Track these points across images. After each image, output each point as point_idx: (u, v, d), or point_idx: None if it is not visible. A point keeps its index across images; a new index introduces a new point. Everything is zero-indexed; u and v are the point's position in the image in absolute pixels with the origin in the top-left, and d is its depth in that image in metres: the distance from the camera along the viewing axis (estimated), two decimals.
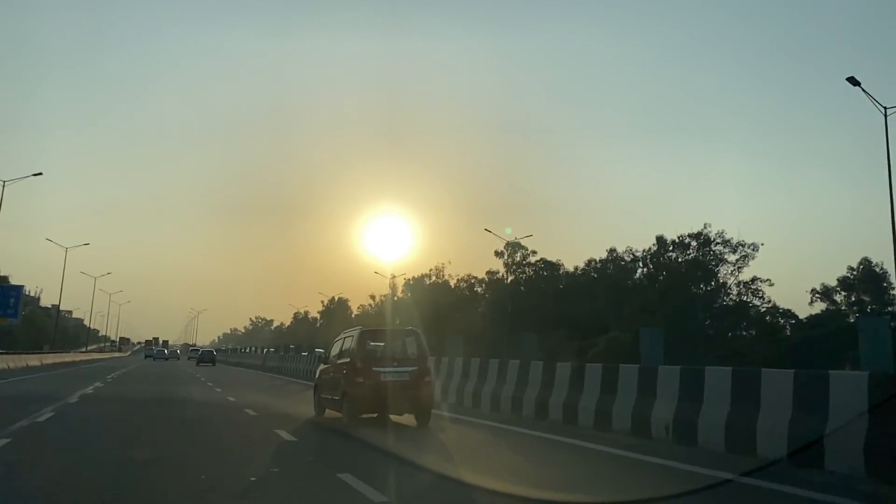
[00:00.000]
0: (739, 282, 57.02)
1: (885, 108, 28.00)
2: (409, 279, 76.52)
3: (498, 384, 12.97)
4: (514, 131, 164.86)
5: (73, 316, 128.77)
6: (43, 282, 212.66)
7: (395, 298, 78.35)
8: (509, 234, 69.77)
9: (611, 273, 67.83)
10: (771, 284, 56.52)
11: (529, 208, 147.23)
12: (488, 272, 71.50)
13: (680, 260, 58.81)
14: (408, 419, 10.88)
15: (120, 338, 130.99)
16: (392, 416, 10.79)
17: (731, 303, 56.94)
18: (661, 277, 59.24)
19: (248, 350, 61.50)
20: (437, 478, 6.39)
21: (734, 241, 56.63)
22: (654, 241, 59.47)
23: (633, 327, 55.86)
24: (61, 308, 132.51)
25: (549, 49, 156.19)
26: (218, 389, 19.69)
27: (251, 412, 12.59)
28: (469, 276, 74.29)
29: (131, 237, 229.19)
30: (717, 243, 57.26)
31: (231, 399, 16.01)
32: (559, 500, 5.57)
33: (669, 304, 54.64)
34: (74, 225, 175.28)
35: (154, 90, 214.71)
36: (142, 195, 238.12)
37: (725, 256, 57.04)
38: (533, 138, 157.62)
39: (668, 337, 51.44)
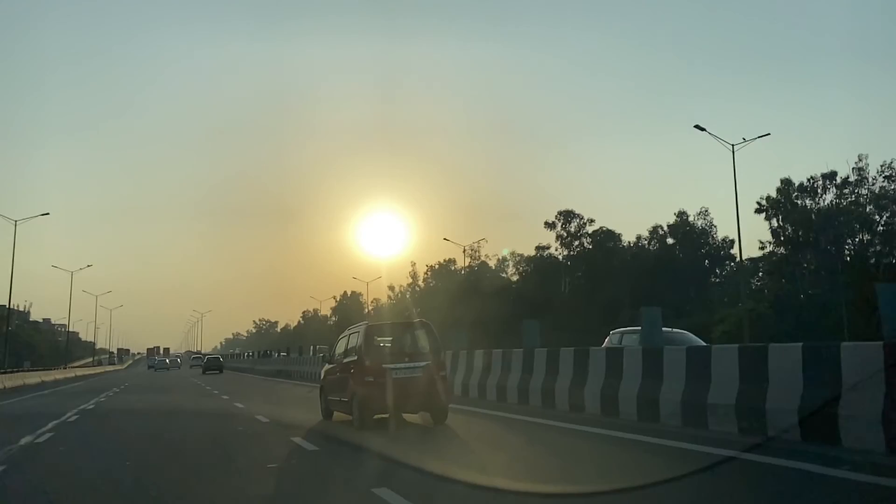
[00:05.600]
0: None
1: None
2: (431, 265, 74.61)
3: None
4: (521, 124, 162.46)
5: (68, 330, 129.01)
6: (33, 295, 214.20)
7: (417, 288, 76.60)
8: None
9: (683, 239, 61.39)
10: None
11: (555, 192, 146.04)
12: (538, 247, 64.79)
13: (812, 208, 50.42)
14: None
15: (118, 349, 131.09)
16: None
17: None
18: (789, 233, 50.58)
19: (283, 355, 44.31)
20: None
21: None
22: (780, 186, 51.06)
23: (764, 297, 48.25)
24: (53, 321, 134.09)
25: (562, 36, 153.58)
26: None
27: None
28: (513, 253, 70.41)
29: (128, 245, 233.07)
30: (874, 181, 48.44)
31: None
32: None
33: (813, 263, 47.38)
34: (71, 234, 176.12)
35: (148, 93, 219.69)
36: (137, 201, 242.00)
37: (890, 193, 47.82)
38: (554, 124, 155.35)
39: (811, 304, 43.90)
